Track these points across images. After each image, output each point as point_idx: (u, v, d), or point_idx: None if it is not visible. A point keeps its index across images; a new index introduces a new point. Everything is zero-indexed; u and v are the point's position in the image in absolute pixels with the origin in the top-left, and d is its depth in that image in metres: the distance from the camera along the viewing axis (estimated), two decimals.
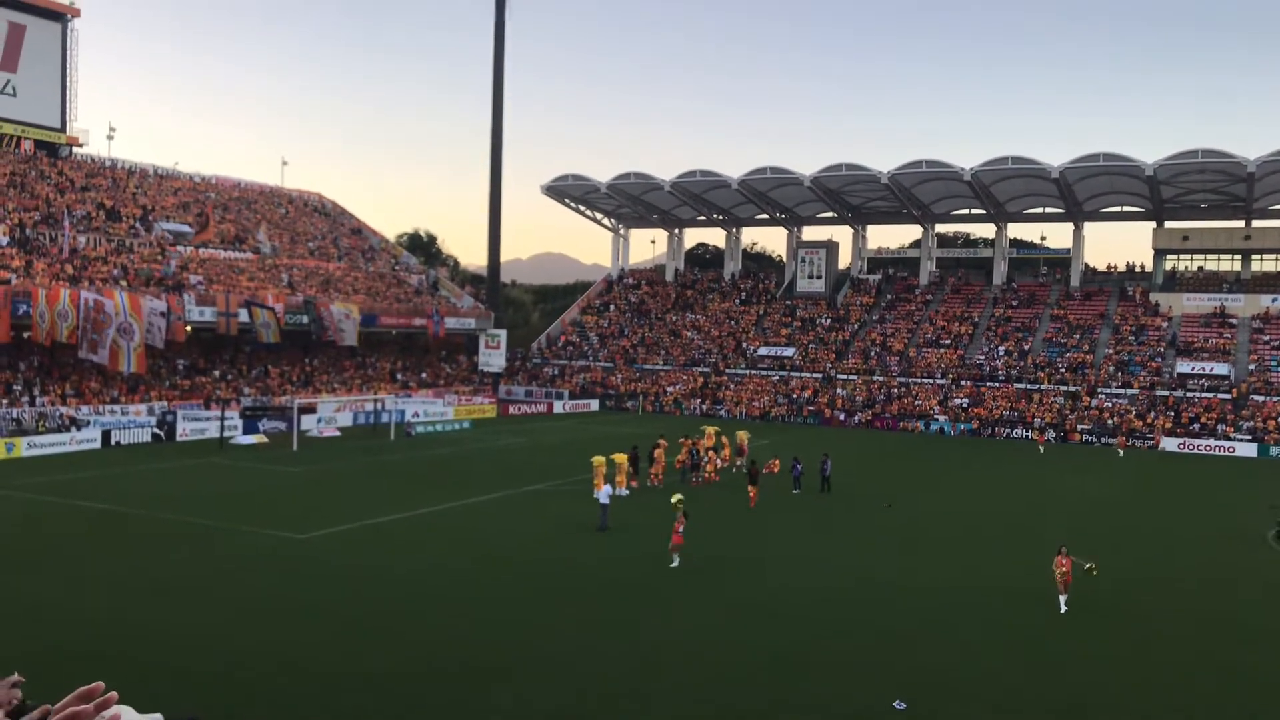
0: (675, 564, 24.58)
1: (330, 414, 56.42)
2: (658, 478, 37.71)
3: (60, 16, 68.49)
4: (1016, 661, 18.38)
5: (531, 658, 17.67)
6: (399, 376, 68.88)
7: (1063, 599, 21.45)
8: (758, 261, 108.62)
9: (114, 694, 2.33)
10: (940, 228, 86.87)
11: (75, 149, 70.00)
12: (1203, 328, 67.71)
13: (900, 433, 62.75)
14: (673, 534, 24.98)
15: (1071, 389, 63.76)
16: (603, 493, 30.51)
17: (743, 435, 44.38)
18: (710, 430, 42.93)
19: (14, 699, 2.35)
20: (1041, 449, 55.19)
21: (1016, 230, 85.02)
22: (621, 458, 35.91)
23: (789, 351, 74.94)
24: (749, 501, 34.22)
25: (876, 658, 18.28)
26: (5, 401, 46.64)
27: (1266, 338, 65.35)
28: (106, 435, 46.04)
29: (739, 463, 41.25)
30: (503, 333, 76.40)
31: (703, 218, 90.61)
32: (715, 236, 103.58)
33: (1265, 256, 72.38)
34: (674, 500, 27.56)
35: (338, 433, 53.48)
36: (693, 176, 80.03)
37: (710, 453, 40.45)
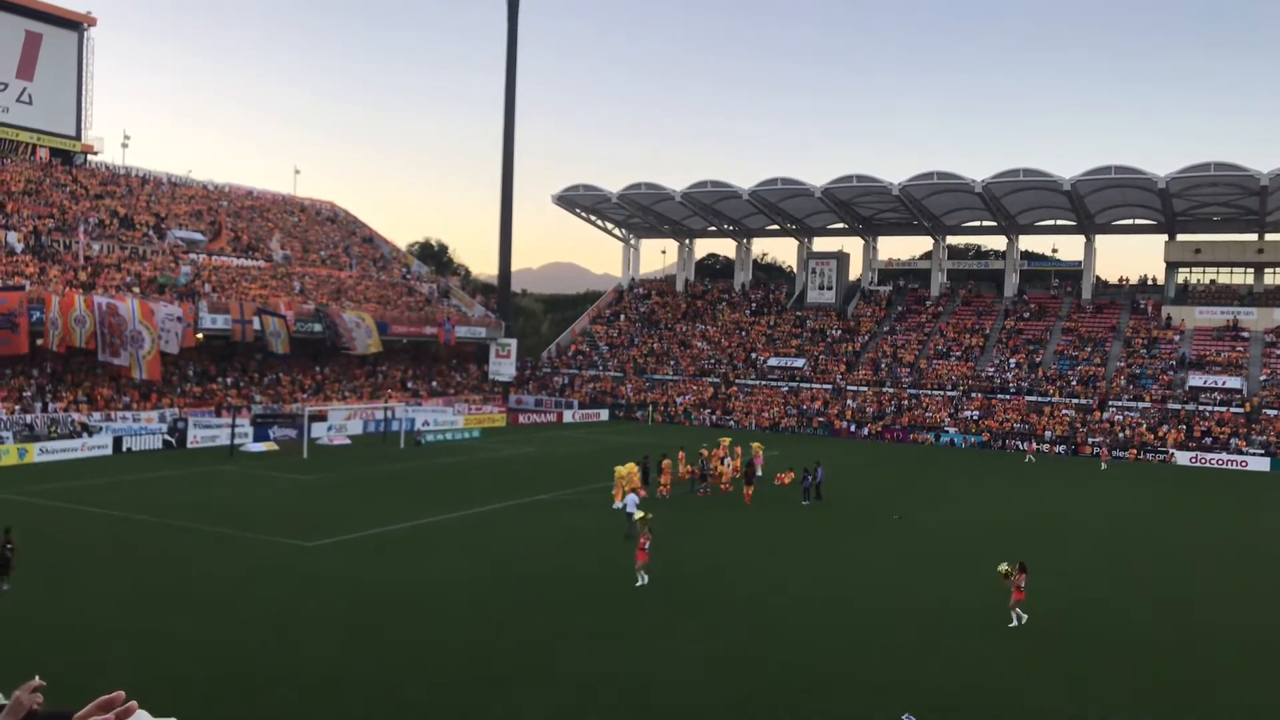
0: (642, 582, 23.46)
1: (340, 422, 56.55)
2: (665, 488, 37.65)
3: (76, 25, 69.03)
4: (1019, 674, 18.27)
5: (533, 668, 17.65)
6: (409, 385, 69.01)
7: (1020, 614, 21.04)
8: (768, 272, 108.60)
9: (134, 703, 2.34)
10: (951, 239, 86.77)
11: (90, 157, 70.48)
12: (1215, 341, 67.40)
13: (910, 444, 62.57)
14: (638, 550, 23.93)
15: (1082, 402, 63.54)
16: (629, 501, 30.60)
17: (757, 447, 44.38)
18: (724, 441, 42.80)
19: (36, 703, 2.36)
20: (1030, 459, 55.33)
21: (1028, 242, 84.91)
22: (631, 468, 35.91)
23: (799, 362, 74.84)
24: (744, 499, 36.57)
25: (883, 671, 18.21)
26: (18, 407, 46.88)
27: (1279, 351, 65.02)
28: (118, 442, 46.21)
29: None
30: (513, 342, 76.48)
31: (713, 228, 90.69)
32: (726, 247, 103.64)
33: (1278, 270, 72.06)
34: (637, 516, 25.70)
35: (348, 441, 53.59)
36: (703, 187, 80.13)
37: (720, 465, 40.38)
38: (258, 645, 18.49)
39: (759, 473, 41.74)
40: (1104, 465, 53.38)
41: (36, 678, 2.46)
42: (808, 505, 36.65)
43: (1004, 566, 21.86)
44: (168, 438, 48.46)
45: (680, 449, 41.47)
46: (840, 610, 22.43)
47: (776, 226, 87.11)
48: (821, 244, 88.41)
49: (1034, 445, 58.72)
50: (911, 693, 16.82)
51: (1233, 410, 59.98)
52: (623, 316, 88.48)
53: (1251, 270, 72.43)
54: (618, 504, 34.45)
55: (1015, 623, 21.05)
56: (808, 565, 27.08)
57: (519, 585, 23.75)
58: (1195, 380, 63.35)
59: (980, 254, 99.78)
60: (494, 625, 20.27)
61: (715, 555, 27.77)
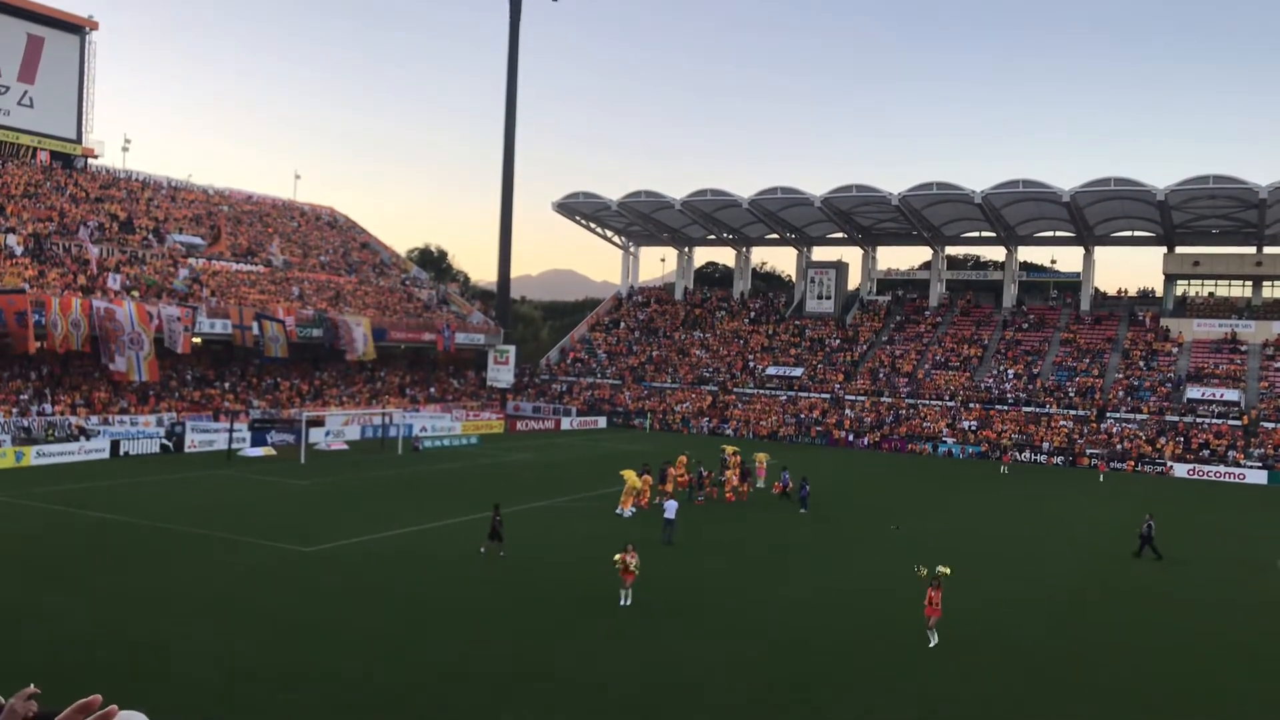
0: (625, 602, 22.37)
1: (338, 427, 56.48)
2: (671, 497, 37.57)
3: (78, 29, 69.08)
4: (1019, 682, 18.24)
5: (533, 672, 17.60)
6: (407, 391, 68.96)
7: (931, 633, 20.30)
8: (767, 281, 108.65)
9: (114, 707, 2.32)
10: (950, 250, 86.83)
11: (91, 160, 70.47)
12: (1213, 353, 67.45)
13: (908, 454, 62.53)
14: (622, 569, 22.50)
15: (1080, 413, 63.54)
16: (669, 506, 30.42)
17: (762, 457, 44.46)
18: (729, 449, 42.77)
19: (30, 711, 2.35)
20: (1004, 469, 55.29)
21: (1026, 253, 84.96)
22: (632, 475, 35.90)
23: (797, 371, 74.85)
24: (741, 497, 39.09)
25: (881, 679, 18.17)
26: (15, 410, 46.81)
27: (1278, 364, 65.05)
28: (115, 445, 46.13)
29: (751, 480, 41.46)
30: (512, 348, 76.44)
31: (713, 237, 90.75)
32: (725, 255, 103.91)
33: (1277, 283, 72.17)
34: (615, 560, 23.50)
35: (345, 446, 53.53)
36: (703, 195, 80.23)
37: (727, 472, 40.39)
38: (257, 648, 18.45)
39: (759, 484, 42.04)
40: (1101, 477, 53.42)
41: (31, 685, 2.44)
42: (805, 514, 36.61)
43: (922, 570, 21.22)
44: (165, 442, 48.37)
45: (684, 455, 41.61)
46: (838, 617, 22.39)
47: (776, 235, 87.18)
48: (820, 253, 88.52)
49: (1009, 455, 58.80)
50: (909, 700, 16.80)
51: (1230, 423, 59.99)
52: (622, 324, 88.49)
53: (1250, 283, 72.55)
54: (624, 511, 34.43)
55: (933, 642, 20.16)
56: (805, 573, 27.05)
57: (520, 590, 23.69)
58: (1193, 392, 63.38)
59: (979, 265, 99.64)
60: (494, 629, 20.23)
61: (714, 562, 27.74)
